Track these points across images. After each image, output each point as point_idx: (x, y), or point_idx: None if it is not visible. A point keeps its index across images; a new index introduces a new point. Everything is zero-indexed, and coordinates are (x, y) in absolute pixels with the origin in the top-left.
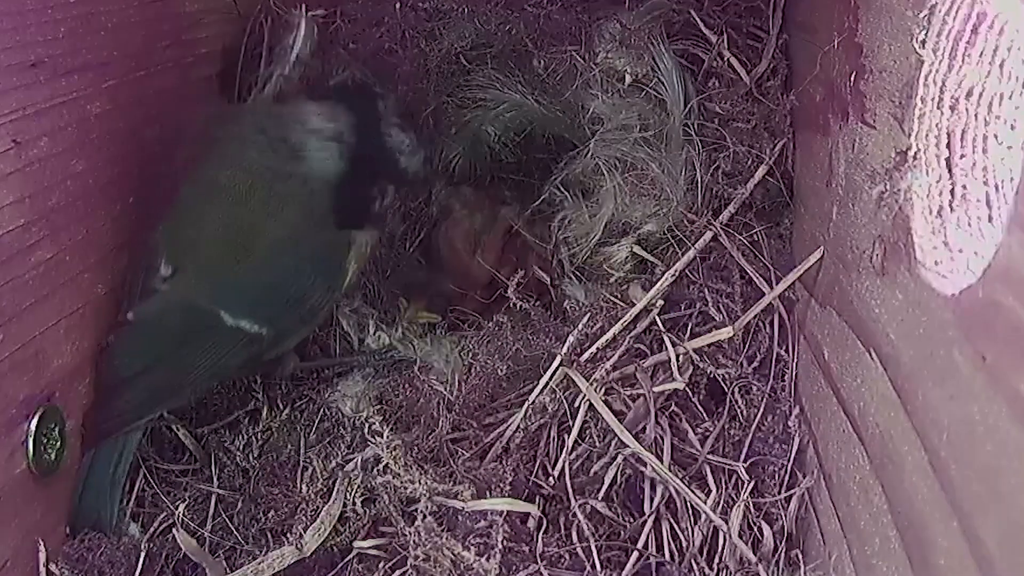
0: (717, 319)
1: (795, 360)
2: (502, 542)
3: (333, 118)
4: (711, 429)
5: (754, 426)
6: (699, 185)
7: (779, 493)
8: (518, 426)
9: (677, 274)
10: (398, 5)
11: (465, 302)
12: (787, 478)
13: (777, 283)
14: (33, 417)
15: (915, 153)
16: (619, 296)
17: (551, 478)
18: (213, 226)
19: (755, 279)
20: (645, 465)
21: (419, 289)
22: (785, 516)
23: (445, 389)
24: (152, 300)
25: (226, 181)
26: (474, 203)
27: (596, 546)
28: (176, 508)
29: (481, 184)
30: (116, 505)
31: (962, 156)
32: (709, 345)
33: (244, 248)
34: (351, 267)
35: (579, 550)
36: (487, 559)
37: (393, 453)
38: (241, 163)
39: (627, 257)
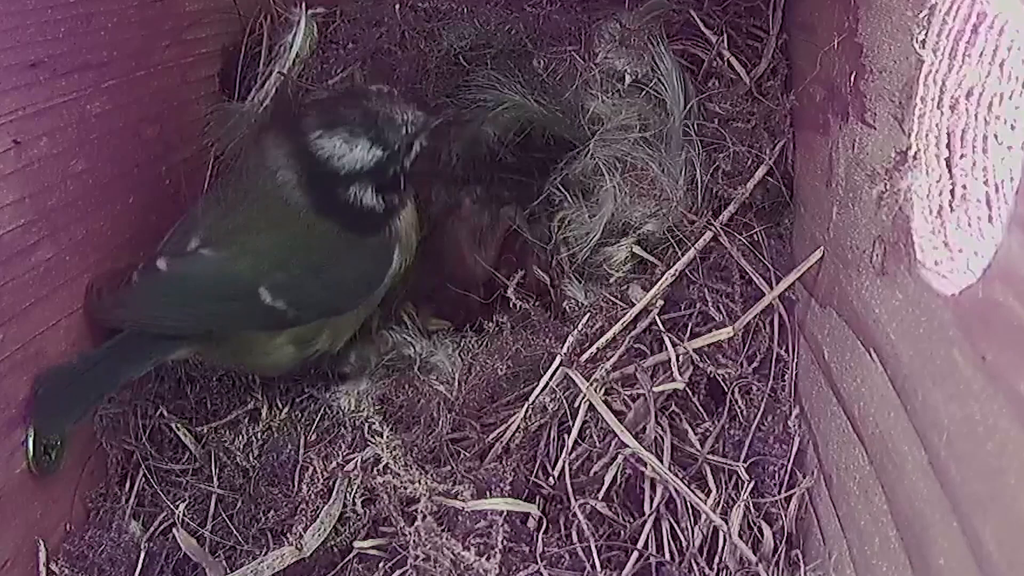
0: (717, 319)
1: (795, 360)
2: (502, 542)
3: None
4: (711, 429)
5: (754, 426)
6: (699, 185)
7: (779, 493)
8: (518, 426)
9: (677, 274)
10: (398, 5)
11: (466, 302)
12: (787, 478)
13: (777, 283)
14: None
15: (915, 153)
16: (619, 296)
17: (551, 478)
18: (256, 222)
19: (755, 279)
20: (645, 465)
21: (428, 296)
22: (785, 516)
23: (445, 389)
24: (189, 259)
25: (260, 190)
26: (484, 201)
27: (596, 546)
28: (176, 508)
29: (484, 183)
30: (85, 408)
31: (962, 156)
32: (709, 345)
33: (291, 245)
34: (395, 260)
35: (579, 550)
36: (487, 559)
37: (393, 453)
38: (266, 182)
39: (627, 257)
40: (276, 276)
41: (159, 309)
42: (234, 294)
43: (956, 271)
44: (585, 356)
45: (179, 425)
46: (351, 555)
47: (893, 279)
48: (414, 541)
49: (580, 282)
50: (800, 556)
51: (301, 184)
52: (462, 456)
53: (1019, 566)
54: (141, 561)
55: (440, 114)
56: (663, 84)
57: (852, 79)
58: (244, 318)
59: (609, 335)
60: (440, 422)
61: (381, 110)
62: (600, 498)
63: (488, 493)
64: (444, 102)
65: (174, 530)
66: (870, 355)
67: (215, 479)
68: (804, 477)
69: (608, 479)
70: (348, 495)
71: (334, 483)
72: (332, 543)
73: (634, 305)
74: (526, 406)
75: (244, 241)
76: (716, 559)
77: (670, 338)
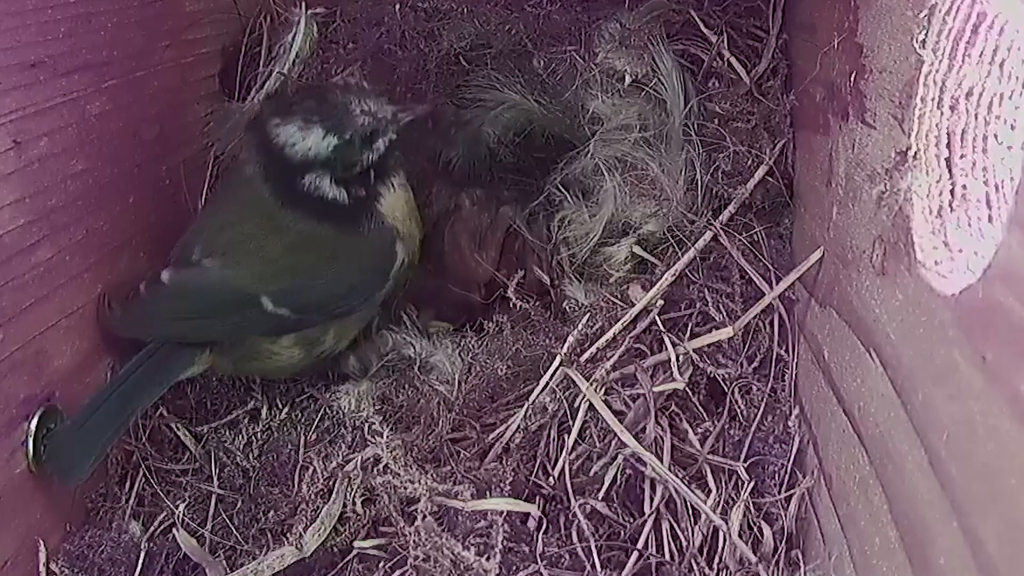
0: (717, 319)
1: (795, 360)
2: (502, 542)
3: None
4: (711, 429)
5: (754, 426)
6: (699, 185)
7: (779, 493)
8: (518, 426)
9: (677, 274)
10: (398, 5)
11: (467, 303)
12: (787, 478)
13: (777, 283)
14: (33, 417)
15: (915, 153)
16: (619, 296)
17: (551, 478)
18: (253, 229)
19: (755, 279)
20: (645, 465)
21: (428, 298)
22: (785, 516)
23: (445, 389)
24: (192, 270)
25: (245, 193)
26: (483, 202)
27: (596, 546)
28: (176, 508)
29: (484, 183)
30: (91, 460)
31: (962, 156)
32: (709, 345)
33: (287, 251)
34: (399, 255)
35: (579, 550)
36: (487, 559)
37: (393, 453)
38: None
39: (627, 257)
40: (276, 284)
41: (166, 322)
42: (237, 304)
43: (956, 271)
44: (585, 356)
45: (179, 425)
46: (351, 555)
47: (893, 279)
48: (414, 541)
49: (580, 282)
50: (800, 556)
51: (262, 174)
52: (462, 456)
53: (1019, 566)
54: (141, 561)
55: (418, 110)
56: (663, 84)
57: (852, 79)
58: (249, 326)
59: (609, 335)
60: (440, 422)
61: (340, 101)
62: (600, 498)
63: (488, 493)
64: (444, 102)
65: (174, 530)
66: (870, 355)
67: (215, 479)
68: (804, 477)
69: (608, 479)
70: (348, 495)
71: (334, 483)
72: (332, 543)
73: (634, 305)
74: (526, 406)
75: (244, 250)
76: (716, 559)
77: (670, 338)
